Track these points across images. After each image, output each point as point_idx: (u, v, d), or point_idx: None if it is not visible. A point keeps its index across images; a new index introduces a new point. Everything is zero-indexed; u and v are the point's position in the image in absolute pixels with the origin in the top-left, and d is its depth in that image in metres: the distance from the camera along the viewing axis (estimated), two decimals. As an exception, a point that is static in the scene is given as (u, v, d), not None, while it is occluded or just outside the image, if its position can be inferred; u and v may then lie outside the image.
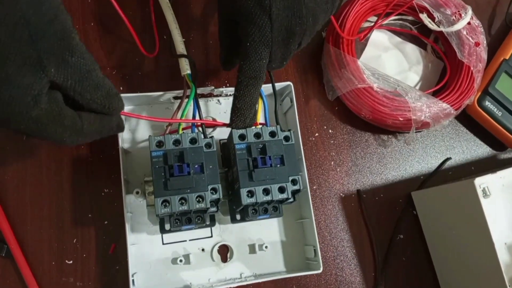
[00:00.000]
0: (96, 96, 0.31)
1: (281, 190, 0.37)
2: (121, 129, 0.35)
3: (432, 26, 0.51)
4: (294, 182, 0.38)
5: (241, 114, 0.37)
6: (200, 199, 0.36)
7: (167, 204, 0.35)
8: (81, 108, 0.31)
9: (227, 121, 0.45)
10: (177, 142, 0.36)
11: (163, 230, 0.40)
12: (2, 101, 0.27)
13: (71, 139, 0.31)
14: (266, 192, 0.37)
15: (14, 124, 0.28)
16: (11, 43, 0.27)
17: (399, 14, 0.52)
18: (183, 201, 0.35)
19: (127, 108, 0.44)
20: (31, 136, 0.31)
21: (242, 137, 0.38)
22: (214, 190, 0.36)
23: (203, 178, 0.36)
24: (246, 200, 0.36)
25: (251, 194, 0.36)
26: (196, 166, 0.36)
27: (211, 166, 0.37)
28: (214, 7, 0.48)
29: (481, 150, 0.54)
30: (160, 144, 0.36)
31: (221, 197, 0.36)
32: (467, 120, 0.54)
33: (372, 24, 0.50)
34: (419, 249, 0.49)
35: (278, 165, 0.37)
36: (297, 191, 0.38)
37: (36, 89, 0.28)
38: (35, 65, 0.28)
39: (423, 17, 0.51)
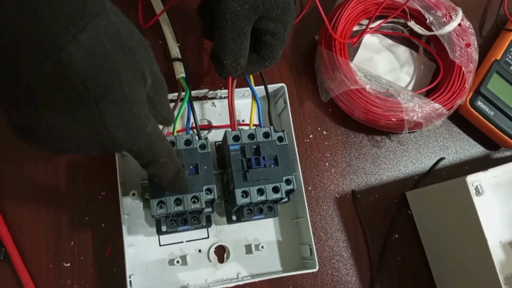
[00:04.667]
0: (166, 107, 0.30)
1: (275, 190, 0.37)
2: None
3: (422, 32, 0.52)
4: (288, 182, 0.38)
5: (225, 53, 0.35)
6: (195, 200, 0.36)
7: (163, 205, 0.35)
8: None
9: (222, 123, 0.46)
10: (171, 143, 0.37)
11: (159, 232, 0.41)
12: (125, 122, 0.25)
13: (169, 163, 0.30)
14: (261, 192, 0.37)
15: (132, 143, 0.26)
16: (122, 59, 0.24)
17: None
18: (179, 202, 0.36)
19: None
20: (137, 158, 0.28)
21: (236, 138, 0.38)
22: (209, 190, 0.37)
23: (197, 179, 0.36)
24: (240, 200, 0.37)
25: (245, 194, 0.37)
26: (191, 167, 0.37)
27: (205, 167, 0.37)
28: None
29: (475, 149, 0.55)
30: (155, 146, 0.37)
31: (216, 197, 0.37)
32: (460, 120, 0.54)
33: (364, 27, 0.51)
34: (414, 249, 0.49)
35: (272, 166, 0.38)
36: (291, 190, 0.38)
37: (145, 104, 0.26)
38: (141, 78, 0.26)
39: (412, 24, 0.52)
